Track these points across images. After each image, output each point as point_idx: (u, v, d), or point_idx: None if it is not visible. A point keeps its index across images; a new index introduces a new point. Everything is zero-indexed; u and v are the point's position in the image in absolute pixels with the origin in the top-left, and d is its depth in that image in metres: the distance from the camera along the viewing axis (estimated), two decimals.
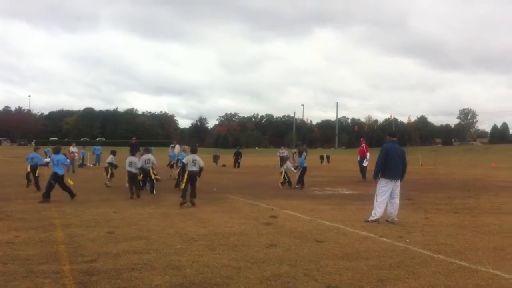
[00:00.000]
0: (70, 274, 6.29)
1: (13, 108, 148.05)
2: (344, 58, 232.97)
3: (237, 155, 38.63)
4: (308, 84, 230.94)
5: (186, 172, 14.04)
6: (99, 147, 37.84)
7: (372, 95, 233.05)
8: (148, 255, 7.38)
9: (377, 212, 10.84)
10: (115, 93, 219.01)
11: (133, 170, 15.93)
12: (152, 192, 16.66)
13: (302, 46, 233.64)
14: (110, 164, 20.20)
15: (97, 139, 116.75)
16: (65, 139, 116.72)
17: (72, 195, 14.65)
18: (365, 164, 23.85)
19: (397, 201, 10.85)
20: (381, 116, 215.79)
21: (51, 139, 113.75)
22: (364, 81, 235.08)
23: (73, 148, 32.43)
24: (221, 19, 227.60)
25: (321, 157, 49.64)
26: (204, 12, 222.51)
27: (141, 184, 16.72)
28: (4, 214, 11.51)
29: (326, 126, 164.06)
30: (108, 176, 20.06)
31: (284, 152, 40.41)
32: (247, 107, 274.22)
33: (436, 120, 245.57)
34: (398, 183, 10.91)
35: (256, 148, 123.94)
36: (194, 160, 14.08)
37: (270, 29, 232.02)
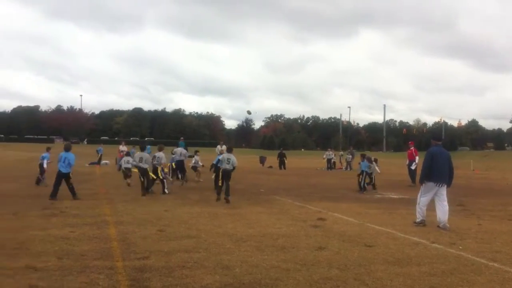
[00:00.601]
0: (123, 270, 6.46)
1: (65, 107, 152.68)
2: (389, 59, 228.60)
3: (281, 156, 38.55)
4: (353, 86, 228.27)
5: (220, 170, 14.75)
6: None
7: (419, 97, 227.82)
8: (198, 254, 7.49)
9: (419, 214, 10.90)
10: (162, 94, 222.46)
11: (144, 165, 16.09)
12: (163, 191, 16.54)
13: (347, 47, 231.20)
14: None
15: (145, 138, 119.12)
16: (115, 138, 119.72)
17: (74, 195, 14.44)
18: (413, 167, 23.38)
19: (445, 204, 10.65)
20: (429, 119, 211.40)
21: (102, 138, 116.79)
22: (411, 82, 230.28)
23: (122, 147, 33.21)
24: (266, 20, 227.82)
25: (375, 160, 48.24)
26: (249, 13, 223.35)
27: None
28: (59, 211, 11.91)
29: (373, 129, 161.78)
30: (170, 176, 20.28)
31: (331, 154, 40.16)
32: (292, 109, 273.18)
33: (487, 124, 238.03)
34: (445, 187, 10.78)
35: (302, 149, 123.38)
36: (229, 159, 14.83)
37: (314, 30, 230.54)
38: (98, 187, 18.20)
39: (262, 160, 42.94)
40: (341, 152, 49.26)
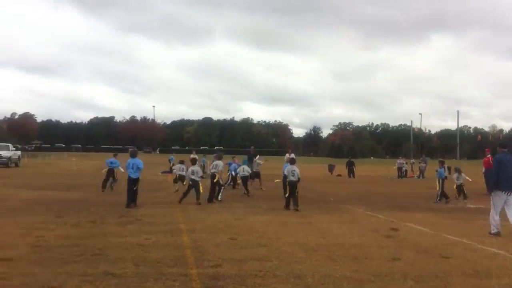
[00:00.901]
0: (197, 278, 6.57)
1: (138, 118, 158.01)
2: (463, 64, 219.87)
3: (350, 165, 38.06)
4: (424, 92, 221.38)
5: (287, 182, 15.24)
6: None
7: (494, 102, 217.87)
8: (270, 263, 7.51)
9: (492, 226, 10.61)
10: (231, 103, 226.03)
11: (196, 178, 16.19)
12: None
13: (417, 52, 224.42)
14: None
15: (215, 147, 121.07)
16: (186, 147, 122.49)
17: (134, 202, 14.89)
18: None
19: None
20: (506, 125, 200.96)
21: (173, 147, 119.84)
22: (486, 88, 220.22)
23: (193, 156, 33.90)
24: (332, 27, 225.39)
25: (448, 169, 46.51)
26: (315, 21, 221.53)
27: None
28: (135, 218, 12.32)
29: (445, 136, 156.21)
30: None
31: (403, 162, 39.21)
32: (361, 116, 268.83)
33: None
34: None
35: (372, 157, 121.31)
36: (293, 171, 15.22)
37: (381, 36, 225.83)
38: (171, 195, 18.66)
39: (331, 168, 42.59)
40: (413, 160, 47.93)
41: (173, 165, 36.98)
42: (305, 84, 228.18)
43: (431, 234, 10.66)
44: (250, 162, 24.14)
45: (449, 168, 20.72)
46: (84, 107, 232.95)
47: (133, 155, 15.65)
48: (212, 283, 6.33)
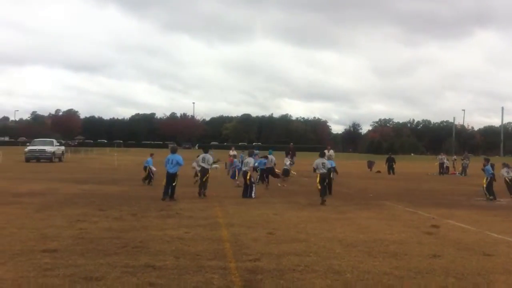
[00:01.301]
0: (236, 271, 6.63)
1: (178, 114, 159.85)
2: (507, 59, 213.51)
3: (390, 161, 37.52)
4: (467, 88, 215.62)
5: (318, 175, 15.68)
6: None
7: None
8: (308, 258, 7.51)
9: None
10: (270, 100, 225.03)
11: (206, 166, 16.62)
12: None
13: (460, 48, 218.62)
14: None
15: (253, 143, 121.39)
16: (225, 143, 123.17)
17: (172, 196, 15.17)
18: None
19: None
20: None
21: (212, 143, 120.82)
22: None
23: (232, 152, 34.24)
24: (373, 24, 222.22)
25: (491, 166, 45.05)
26: (356, 17, 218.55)
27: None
28: (174, 212, 12.50)
29: (489, 132, 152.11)
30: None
31: (444, 158, 38.46)
32: (401, 113, 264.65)
33: None
34: None
35: (412, 154, 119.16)
36: (324, 163, 15.86)
37: (424, 32, 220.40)
38: (209, 190, 18.81)
39: (370, 164, 42.09)
40: (454, 157, 46.87)
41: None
42: (344, 81, 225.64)
43: (473, 231, 10.44)
44: (290, 158, 24.13)
45: (492, 165, 20.16)
46: (126, 104, 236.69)
47: (173, 151, 16.03)
48: (251, 277, 6.37)
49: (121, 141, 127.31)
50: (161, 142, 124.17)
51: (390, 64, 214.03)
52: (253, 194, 16.63)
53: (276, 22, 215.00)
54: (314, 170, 16.08)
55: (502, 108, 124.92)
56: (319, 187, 15.48)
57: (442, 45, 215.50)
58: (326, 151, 30.72)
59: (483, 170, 18.63)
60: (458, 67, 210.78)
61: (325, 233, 9.84)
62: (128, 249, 7.96)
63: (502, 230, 10.55)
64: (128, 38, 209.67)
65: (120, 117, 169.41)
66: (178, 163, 15.51)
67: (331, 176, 18.39)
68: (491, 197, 17.76)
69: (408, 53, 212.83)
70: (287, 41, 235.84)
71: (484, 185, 18.17)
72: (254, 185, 17.20)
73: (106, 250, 7.82)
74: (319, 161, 15.84)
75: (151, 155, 22.24)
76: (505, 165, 19.46)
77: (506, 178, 18.54)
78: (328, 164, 15.97)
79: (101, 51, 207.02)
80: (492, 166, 18.93)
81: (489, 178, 18.12)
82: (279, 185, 21.70)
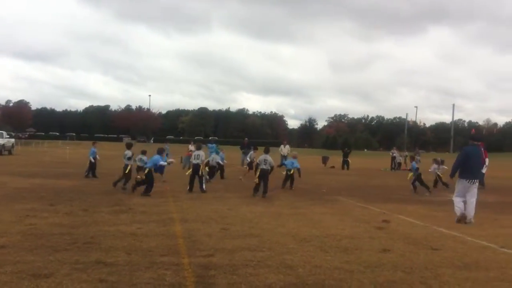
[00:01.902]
0: (189, 267, 6.61)
1: (134, 107, 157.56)
2: (459, 56, 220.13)
3: (345, 157, 38.08)
4: (420, 85, 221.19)
5: (259, 170, 16.08)
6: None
7: (490, 96, 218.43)
8: (262, 253, 7.56)
9: (457, 212, 11.56)
10: (226, 93, 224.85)
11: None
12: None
13: (414, 44, 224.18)
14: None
15: (210, 138, 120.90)
16: (180, 137, 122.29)
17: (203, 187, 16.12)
18: (483, 170, 22.53)
19: (473, 201, 11.41)
20: (500, 119, 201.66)
21: (167, 137, 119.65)
22: (482, 81, 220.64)
23: (191, 147, 34.44)
24: (331, 19, 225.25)
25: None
26: (314, 11, 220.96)
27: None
28: (127, 207, 12.35)
29: (440, 129, 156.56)
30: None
31: (395, 153, 39.45)
32: (356, 108, 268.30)
33: None
34: (476, 184, 11.57)
35: (365, 150, 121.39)
36: (266, 160, 16.16)
37: (379, 28, 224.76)
38: (164, 185, 18.66)
39: (324, 160, 42.64)
40: (406, 153, 48.01)
41: (166, 155, 37.13)
42: (301, 75, 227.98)
43: (421, 226, 10.74)
44: (245, 154, 24.15)
45: (442, 161, 21.02)
46: (79, 95, 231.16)
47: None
48: (204, 272, 6.37)
49: (74, 134, 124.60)
50: (115, 136, 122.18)
51: (346, 59, 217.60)
52: (204, 187, 16.63)
53: (233, 14, 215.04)
54: (257, 165, 16.51)
55: (453, 105, 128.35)
56: (257, 182, 15.88)
57: (396, 41, 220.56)
58: (282, 146, 30.98)
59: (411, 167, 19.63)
60: (412, 63, 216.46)
61: (279, 228, 9.92)
62: (79, 245, 7.81)
63: (449, 225, 10.89)
64: (82, 27, 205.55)
65: (73, 109, 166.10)
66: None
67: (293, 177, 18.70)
68: (414, 191, 18.88)
69: (364, 48, 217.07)
70: (244, 33, 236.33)
71: (411, 180, 19.27)
72: (204, 178, 17.23)
73: (56, 246, 7.65)
74: (262, 157, 16.38)
75: (94, 143, 22.08)
76: (435, 161, 20.84)
77: (434, 174, 19.77)
78: (272, 162, 16.32)
79: (54, 40, 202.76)
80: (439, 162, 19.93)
81: (415, 174, 19.07)
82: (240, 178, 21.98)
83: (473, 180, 11.43)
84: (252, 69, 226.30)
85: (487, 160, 22.24)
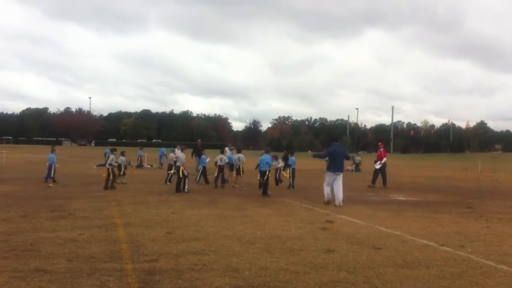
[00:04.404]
0: (133, 273, 6.47)
1: (73, 109, 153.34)
2: (396, 59, 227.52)
3: (286, 159, 38.26)
4: (360, 87, 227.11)
5: (217, 166, 20.72)
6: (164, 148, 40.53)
7: (426, 98, 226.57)
8: (207, 256, 7.50)
9: (325, 197, 15.11)
10: (168, 95, 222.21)
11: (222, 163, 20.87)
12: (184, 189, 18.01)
13: (352, 47, 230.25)
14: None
15: (153, 140, 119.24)
16: (123, 140, 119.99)
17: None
18: (377, 166, 23.69)
19: (341, 189, 14.72)
20: (437, 121, 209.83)
21: (109, 140, 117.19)
22: (418, 83, 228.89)
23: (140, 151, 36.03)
24: (270, 20, 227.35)
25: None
26: (254, 13, 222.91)
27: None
28: (68, 213, 11.98)
29: (380, 131, 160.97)
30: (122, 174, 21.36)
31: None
32: (300, 110, 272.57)
33: (495, 125, 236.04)
34: (341, 175, 14.98)
35: (309, 151, 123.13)
36: (221, 158, 21.13)
37: (319, 30, 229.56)
38: (109, 190, 18.23)
39: None
40: (352, 155, 48.99)
41: (108, 157, 36.51)
42: (243, 77, 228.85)
43: (364, 226, 10.97)
44: (198, 156, 23.91)
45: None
46: (14, 97, 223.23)
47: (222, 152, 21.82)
48: (148, 278, 6.25)
49: (11, 138, 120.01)
50: (54, 139, 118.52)
51: (286, 61, 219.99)
52: (186, 188, 17.80)
53: (170, 13, 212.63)
54: (215, 163, 20.77)
55: (392, 107, 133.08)
56: (215, 175, 20.50)
57: (335, 43, 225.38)
58: (227, 148, 30.89)
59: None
60: (351, 66, 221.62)
61: (224, 231, 9.88)
62: (17, 252, 7.52)
63: (391, 225, 11.18)
64: (13, 26, 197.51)
65: (9, 112, 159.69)
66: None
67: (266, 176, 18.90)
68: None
69: (303, 51, 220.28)
70: (184, 34, 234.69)
71: (286, 175, 22.77)
72: (187, 179, 18.04)
73: None
74: (219, 156, 21.09)
75: (53, 149, 20.92)
76: (292, 153, 24.63)
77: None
78: (225, 159, 21.11)
79: None
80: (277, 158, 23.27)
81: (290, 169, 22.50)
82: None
83: (338, 172, 14.81)
84: (192, 70, 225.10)
85: (384, 159, 23.53)
